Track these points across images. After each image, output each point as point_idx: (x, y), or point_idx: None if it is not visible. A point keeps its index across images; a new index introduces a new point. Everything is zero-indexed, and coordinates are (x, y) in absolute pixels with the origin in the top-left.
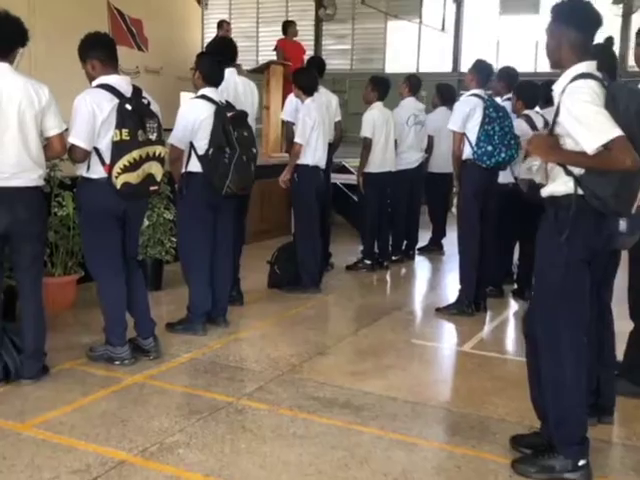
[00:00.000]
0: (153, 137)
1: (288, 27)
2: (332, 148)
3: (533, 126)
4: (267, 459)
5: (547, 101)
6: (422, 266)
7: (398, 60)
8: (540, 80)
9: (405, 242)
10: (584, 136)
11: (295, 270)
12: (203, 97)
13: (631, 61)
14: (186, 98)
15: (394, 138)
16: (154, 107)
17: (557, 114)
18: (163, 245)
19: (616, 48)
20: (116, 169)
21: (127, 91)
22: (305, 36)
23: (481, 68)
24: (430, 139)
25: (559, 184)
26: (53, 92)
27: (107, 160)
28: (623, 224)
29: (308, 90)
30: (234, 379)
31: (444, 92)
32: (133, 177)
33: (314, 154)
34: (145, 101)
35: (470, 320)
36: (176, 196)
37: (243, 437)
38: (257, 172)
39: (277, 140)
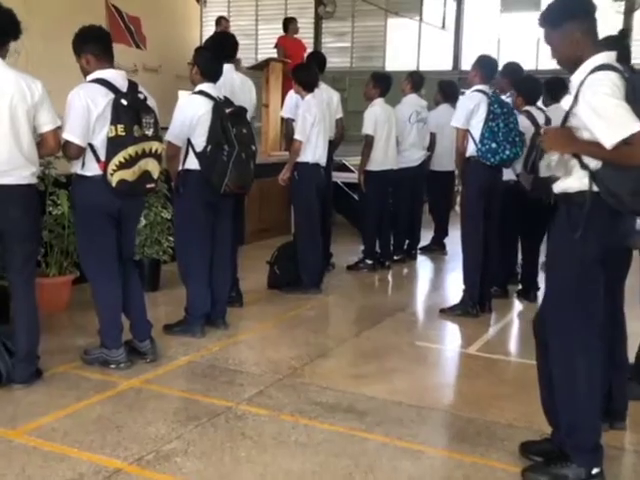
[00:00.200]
0: (149, 133)
1: (289, 24)
2: (333, 145)
3: (534, 122)
4: (268, 468)
5: (553, 97)
6: (424, 266)
7: (398, 58)
8: (542, 78)
9: (407, 241)
10: (603, 130)
11: (295, 270)
12: (201, 93)
13: (635, 59)
14: (184, 95)
15: (396, 135)
16: (150, 102)
17: (574, 105)
18: (160, 245)
19: None
20: (111, 166)
21: (123, 86)
22: (305, 34)
23: (485, 63)
24: (432, 136)
25: (573, 179)
26: (50, 90)
27: (102, 157)
28: (639, 222)
29: (308, 86)
30: (233, 383)
31: (446, 89)
32: (129, 174)
33: (314, 151)
34: (141, 96)
35: (475, 321)
36: (173, 194)
37: (243, 445)
38: (256, 171)
39: (276, 138)
